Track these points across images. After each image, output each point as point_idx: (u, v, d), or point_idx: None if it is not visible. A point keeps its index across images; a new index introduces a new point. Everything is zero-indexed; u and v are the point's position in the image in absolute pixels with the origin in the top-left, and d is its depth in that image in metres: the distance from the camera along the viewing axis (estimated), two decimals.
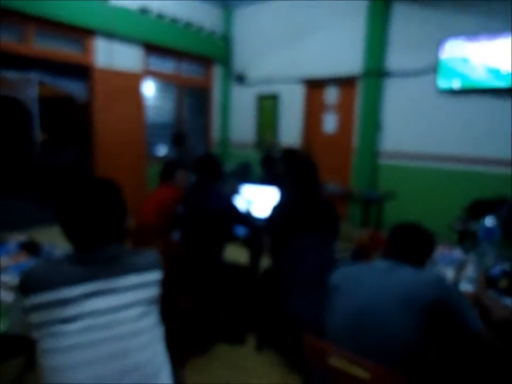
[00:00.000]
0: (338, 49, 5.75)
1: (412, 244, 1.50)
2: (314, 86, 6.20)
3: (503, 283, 1.70)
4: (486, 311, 1.42)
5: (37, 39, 4.87)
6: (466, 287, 1.83)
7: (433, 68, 4.85)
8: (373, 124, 5.44)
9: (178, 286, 2.21)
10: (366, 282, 1.41)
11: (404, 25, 5.11)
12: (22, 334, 1.15)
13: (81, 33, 5.21)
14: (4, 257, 1.97)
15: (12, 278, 1.72)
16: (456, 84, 4.69)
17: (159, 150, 6.58)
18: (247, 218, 2.62)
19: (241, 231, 2.73)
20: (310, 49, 6.10)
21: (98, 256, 1.10)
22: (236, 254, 3.22)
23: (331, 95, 6.04)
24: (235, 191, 2.77)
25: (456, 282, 1.87)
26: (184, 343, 2.34)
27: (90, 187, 1.16)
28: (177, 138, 5.50)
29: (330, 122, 6.09)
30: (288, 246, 2.34)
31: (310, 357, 1.34)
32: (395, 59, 5.24)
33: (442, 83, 4.77)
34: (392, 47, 5.26)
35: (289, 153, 3.96)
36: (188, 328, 2.35)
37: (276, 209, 2.45)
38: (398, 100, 5.28)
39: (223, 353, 2.51)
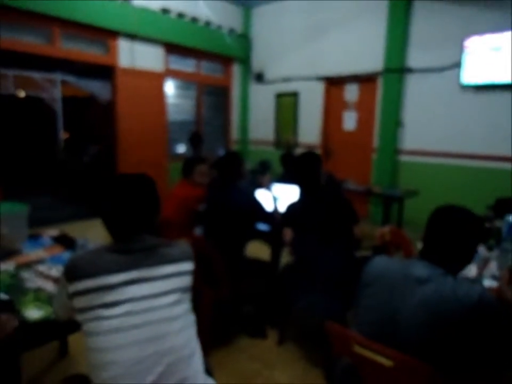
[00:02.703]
0: (359, 46, 5.73)
1: (455, 235, 1.28)
2: (334, 83, 6.20)
3: None
4: (509, 305, 1.41)
5: (62, 40, 5.03)
6: (489, 283, 1.83)
7: (456, 64, 4.79)
8: (394, 121, 5.41)
9: (203, 279, 2.28)
10: (399, 289, 1.29)
11: (425, 22, 5.06)
12: (65, 319, 1.24)
13: (105, 35, 5.35)
14: (39, 250, 2.07)
15: (47, 269, 1.82)
16: (479, 80, 4.61)
17: (179, 147, 6.68)
18: (269, 215, 2.66)
19: (263, 227, 2.78)
20: (330, 47, 6.09)
21: (136, 247, 1.17)
22: (258, 250, 3.28)
23: (351, 92, 6.02)
24: (268, 186, 2.80)
25: (480, 280, 1.86)
26: (208, 334, 2.40)
27: (129, 181, 1.25)
28: (194, 139, 5.58)
29: (350, 120, 6.07)
30: (306, 242, 2.38)
31: (334, 344, 1.37)
32: (416, 56, 5.19)
33: (466, 79, 4.71)
34: (414, 44, 5.21)
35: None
36: (212, 320, 2.41)
37: (291, 207, 2.50)
38: (419, 97, 5.23)
39: (246, 346, 2.57)
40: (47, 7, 4.61)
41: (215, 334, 2.56)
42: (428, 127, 5.17)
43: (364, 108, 5.87)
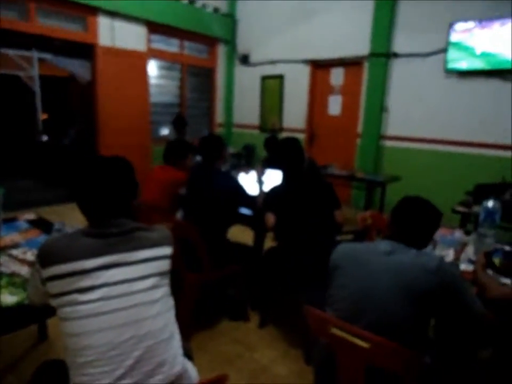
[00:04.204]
0: (345, 30, 5.67)
1: (417, 223, 1.46)
2: (320, 67, 6.15)
3: (497, 262, 1.74)
4: (482, 289, 1.45)
5: (38, 16, 4.82)
6: (466, 267, 1.87)
7: (441, 50, 4.80)
8: (379, 106, 5.42)
9: (184, 263, 2.27)
10: (367, 263, 1.40)
11: (412, 7, 5.02)
12: (40, 304, 1.21)
13: (84, 11, 5.15)
14: (14, 234, 2.02)
15: (22, 253, 1.78)
16: (463, 65, 4.64)
17: (163, 130, 6.57)
18: (251, 199, 2.65)
19: (245, 211, 2.77)
20: (316, 30, 6.01)
21: (112, 231, 1.14)
22: (241, 234, 3.28)
23: (336, 76, 5.99)
24: (260, 176, 2.77)
25: (456, 263, 1.91)
26: (189, 318, 2.41)
27: (104, 164, 1.21)
28: (178, 121, 5.49)
29: (335, 104, 6.05)
30: (289, 227, 2.39)
31: (312, 327, 1.39)
32: (402, 41, 5.18)
33: (450, 64, 4.72)
34: (400, 28, 5.19)
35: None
36: (193, 304, 2.42)
37: (273, 192, 2.50)
38: (404, 82, 5.24)
39: (227, 329, 2.59)
40: None
41: (197, 318, 2.57)
42: (412, 112, 5.20)
43: (349, 92, 5.86)
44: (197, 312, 2.55)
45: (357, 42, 5.53)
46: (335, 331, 1.26)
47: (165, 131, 6.37)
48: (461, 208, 3.17)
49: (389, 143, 5.49)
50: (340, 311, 1.38)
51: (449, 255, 2.01)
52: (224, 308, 2.80)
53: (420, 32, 5.00)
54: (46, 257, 1.09)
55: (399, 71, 5.28)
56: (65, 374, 1.14)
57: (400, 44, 5.21)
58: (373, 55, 5.37)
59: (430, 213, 1.50)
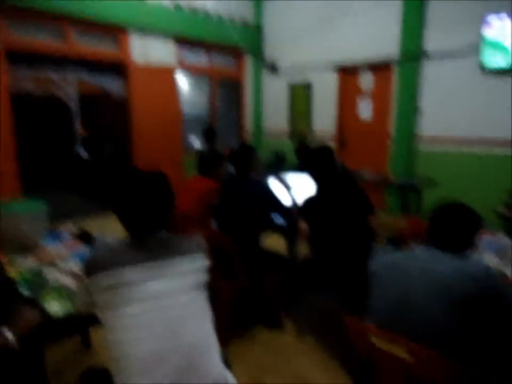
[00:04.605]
0: (372, 32, 5.60)
1: (456, 229, 1.42)
2: (348, 72, 6.09)
3: None
4: None
5: (76, 39, 5.08)
6: (510, 272, 1.78)
7: (476, 47, 4.62)
8: (411, 108, 5.28)
9: (219, 273, 2.30)
10: (406, 272, 1.38)
11: (443, 3, 4.89)
12: (86, 313, 1.26)
13: (116, 31, 5.38)
14: (59, 246, 2.12)
15: (67, 264, 1.86)
16: (500, 62, 4.45)
17: (193, 141, 6.70)
18: (284, 206, 2.65)
19: (279, 220, 2.77)
20: (343, 35, 5.97)
21: (152, 243, 1.18)
22: (275, 243, 3.28)
23: (366, 80, 5.91)
24: (285, 183, 2.80)
25: (500, 268, 1.82)
26: (225, 326, 2.42)
27: (145, 179, 1.25)
28: (208, 133, 5.59)
29: (365, 109, 5.97)
30: (323, 236, 2.37)
31: (352, 336, 1.37)
32: (434, 40, 5.03)
33: (487, 62, 4.54)
34: (431, 27, 5.04)
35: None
36: (229, 312, 2.43)
37: (308, 202, 2.49)
38: (438, 82, 5.08)
39: (263, 338, 2.59)
40: (60, 7, 4.65)
41: (232, 326, 2.58)
42: (448, 113, 5.03)
43: (380, 95, 5.76)
44: (232, 320, 2.56)
45: (385, 44, 5.45)
46: (376, 341, 1.23)
47: (195, 142, 6.50)
48: (503, 211, 3.03)
49: (423, 146, 5.34)
50: (379, 320, 1.36)
51: (492, 259, 1.92)
52: (259, 315, 2.80)
53: (453, 29, 4.85)
54: (91, 269, 1.14)
55: (431, 71, 5.14)
56: (109, 381, 1.18)
57: (431, 43, 5.07)
58: (403, 56, 5.27)
59: (468, 218, 1.46)
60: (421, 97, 5.26)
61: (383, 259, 1.52)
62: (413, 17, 5.10)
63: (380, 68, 5.68)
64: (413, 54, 5.16)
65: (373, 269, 1.51)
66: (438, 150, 5.18)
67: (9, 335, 1.13)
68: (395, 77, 5.46)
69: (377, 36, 5.55)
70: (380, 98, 5.77)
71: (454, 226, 1.43)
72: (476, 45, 4.62)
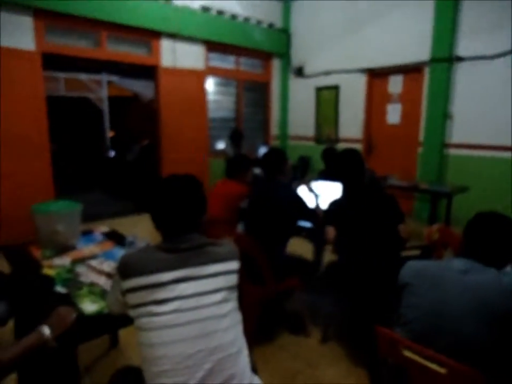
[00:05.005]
0: (403, 35, 5.49)
1: (496, 241, 1.36)
2: (377, 75, 6.00)
3: None
4: None
5: (109, 43, 5.23)
6: None
7: (510, 51, 4.47)
8: (442, 113, 5.15)
9: (245, 277, 2.30)
10: (441, 282, 1.33)
11: (477, 6, 4.75)
12: (118, 313, 1.29)
13: (149, 35, 5.50)
14: (91, 246, 2.18)
15: (99, 264, 1.91)
16: None
17: (219, 144, 6.77)
18: (312, 211, 2.63)
19: (305, 224, 2.75)
20: (372, 37, 5.90)
21: (184, 246, 1.20)
22: (300, 247, 3.26)
23: (395, 84, 5.81)
24: (311, 188, 2.80)
25: None
26: (251, 332, 2.42)
27: (178, 182, 1.28)
28: (235, 136, 5.63)
29: (394, 113, 5.86)
30: (350, 241, 2.34)
31: (382, 349, 1.34)
32: (467, 43, 4.90)
33: None
34: (464, 30, 4.91)
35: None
36: (255, 317, 2.43)
37: (334, 205, 2.46)
38: (470, 87, 4.94)
39: (288, 344, 2.57)
40: (95, 12, 4.81)
41: (257, 331, 2.58)
42: (480, 118, 4.88)
43: (409, 99, 5.64)
44: (258, 326, 2.56)
45: (416, 47, 5.34)
46: (409, 354, 1.20)
47: (221, 145, 6.57)
48: None
49: (453, 152, 5.19)
50: (412, 332, 1.32)
51: None
52: (284, 321, 2.79)
53: (486, 33, 4.70)
54: (125, 270, 1.17)
55: (464, 75, 4.99)
56: (140, 381, 1.20)
57: (464, 46, 4.93)
58: (434, 60, 5.15)
59: (508, 230, 1.38)
60: (452, 102, 5.12)
61: (416, 268, 1.46)
62: (445, 20, 4.98)
63: (410, 71, 5.57)
64: (444, 57, 5.03)
65: (404, 278, 1.46)
66: (469, 155, 5.02)
67: (48, 332, 1.17)
68: (425, 81, 5.34)
69: (408, 39, 5.44)
70: (409, 102, 5.65)
71: (494, 238, 1.36)
72: (509, 50, 4.46)
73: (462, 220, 1.52)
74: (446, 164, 5.25)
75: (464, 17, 4.90)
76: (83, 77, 8.20)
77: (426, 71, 5.30)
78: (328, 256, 2.86)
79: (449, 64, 5.03)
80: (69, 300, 1.53)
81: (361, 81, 6.15)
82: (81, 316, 1.42)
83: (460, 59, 4.97)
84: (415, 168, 5.55)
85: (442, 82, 5.11)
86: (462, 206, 4.62)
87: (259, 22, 6.70)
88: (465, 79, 4.99)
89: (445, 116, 5.14)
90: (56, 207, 2.21)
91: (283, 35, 7.11)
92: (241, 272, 1.31)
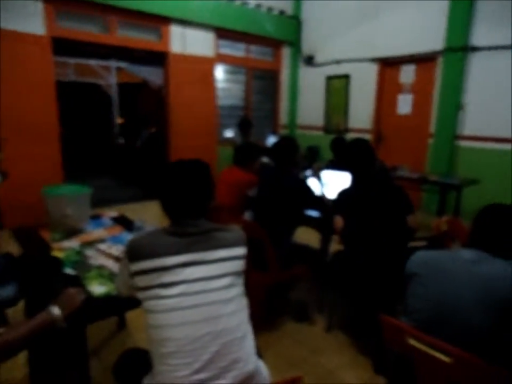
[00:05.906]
0: (416, 24, 5.39)
1: (503, 232, 1.35)
2: (389, 64, 5.91)
3: None
4: None
5: (119, 29, 5.20)
6: None
7: None
8: (454, 104, 5.07)
9: (251, 263, 2.31)
10: (449, 272, 1.33)
11: None
12: (127, 295, 1.31)
13: (159, 21, 5.46)
14: (100, 230, 2.21)
15: (108, 247, 1.93)
16: None
17: (227, 132, 6.75)
18: (319, 201, 2.62)
19: (313, 213, 2.75)
20: (384, 26, 5.79)
21: (192, 230, 1.21)
22: (307, 236, 3.26)
23: (407, 73, 5.71)
24: (321, 180, 2.79)
25: None
26: (255, 318, 2.45)
27: (187, 167, 1.28)
28: (244, 124, 5.59)
29: (405, 103, 5.77)
30: (358, 231, 2.33)
31: (388, 337, 1.35)
32: (483, 32, 4.78)
33: None
34: (480, 19, 4.80)
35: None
36: (259, 303, 2.45)
37: (343, 194, 2.45)
38: (484, 78, 4.84)
39: (292, 331, 2.59)
40: None
41: (261, 318, 2.60)
42: (493, 110, 4.79)
43: (421, 90, 5.55)
44: (263, 312, 2.58)
45: (429, 36, 5.23)
46: (414, 342, 1.20)
47: (230, 133, 6.55)
48: None
49: (465, 144, 5.11)
50: (418, 321, 1.32)
51: None
52: (288, 308, 2.81)
53: (502, 22, 4.58)
54: (133, 253, 1.18)
55: (478, 65, 4.89)
56: (147, 362, 1.22)
57: (479, 36, 4.82)
58: (448, 49, 5.04)
59: None
60: (465, 93, 5.03)
61: (424, 258, 1.46)
62: (460, 8, 4.86)
63: (422, 61, 5.47)
64: (458, 47, 4.92)
65: (412, 267, 1.46)
66: (481, 147, 4.95)
67: (57, 313, 1.19)
68: (438, 71, 5.24)
69: (421, 28, 5.33)
70: (421, 92, 5.56)
71: (502, 229, 1.36)
72: None
73: (471, 213, 1.50)
74: (456, 155, 5.19)
75: (480, 6, 4.78)
76: (93, 62, 8.19)
77: (440, 61, 5.21)
78: (334, 246, 2.86)
79: (464, 54, 4.93)
80: (78, 282, 1.56)
81: (372, 71, 6.06)
82: (90, 297, 1.44)
83: (475, 49, 4.86)
84: (425, 160, 5.49)
85: (456, 72, 5.01)
86: (472, 199, 4.57)
87: (270, 9, 6.60)
88: (479, 69, 4.89)
89: (457, 107, 5.06)
90: (66, 190, 2.23)
91: (294, 22, 7.01)
92: (248, 258, 1.31)
